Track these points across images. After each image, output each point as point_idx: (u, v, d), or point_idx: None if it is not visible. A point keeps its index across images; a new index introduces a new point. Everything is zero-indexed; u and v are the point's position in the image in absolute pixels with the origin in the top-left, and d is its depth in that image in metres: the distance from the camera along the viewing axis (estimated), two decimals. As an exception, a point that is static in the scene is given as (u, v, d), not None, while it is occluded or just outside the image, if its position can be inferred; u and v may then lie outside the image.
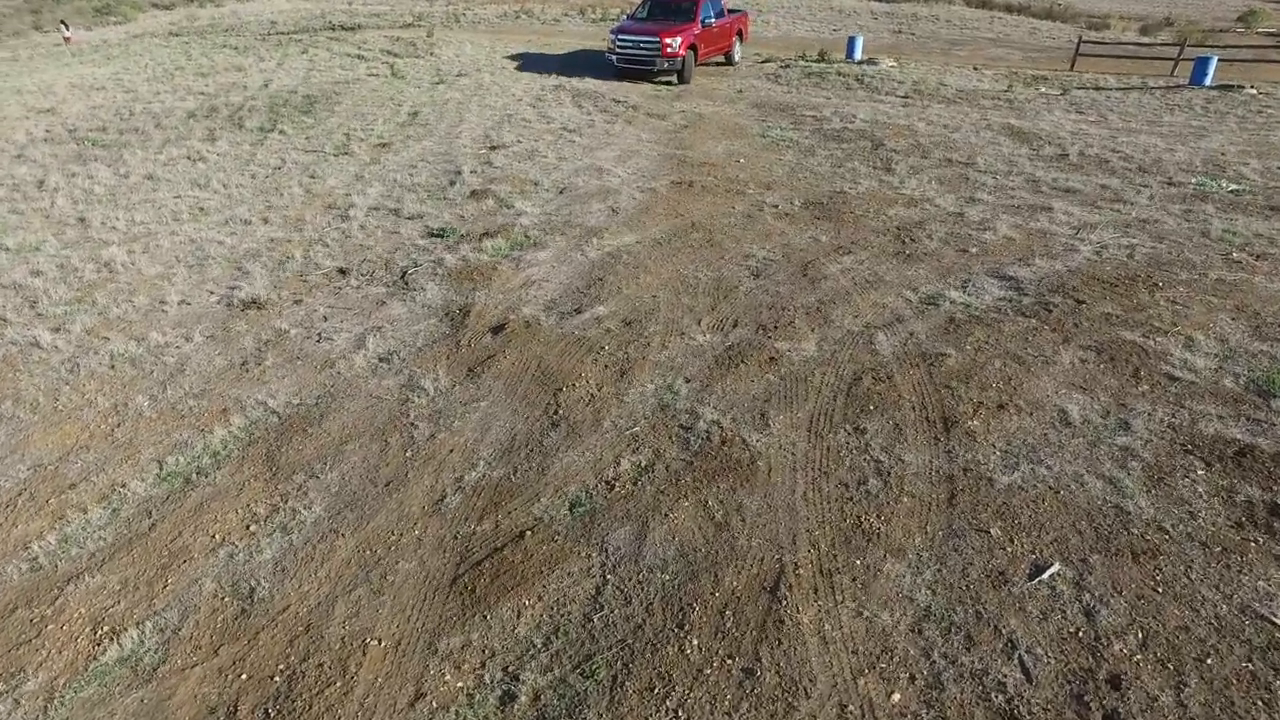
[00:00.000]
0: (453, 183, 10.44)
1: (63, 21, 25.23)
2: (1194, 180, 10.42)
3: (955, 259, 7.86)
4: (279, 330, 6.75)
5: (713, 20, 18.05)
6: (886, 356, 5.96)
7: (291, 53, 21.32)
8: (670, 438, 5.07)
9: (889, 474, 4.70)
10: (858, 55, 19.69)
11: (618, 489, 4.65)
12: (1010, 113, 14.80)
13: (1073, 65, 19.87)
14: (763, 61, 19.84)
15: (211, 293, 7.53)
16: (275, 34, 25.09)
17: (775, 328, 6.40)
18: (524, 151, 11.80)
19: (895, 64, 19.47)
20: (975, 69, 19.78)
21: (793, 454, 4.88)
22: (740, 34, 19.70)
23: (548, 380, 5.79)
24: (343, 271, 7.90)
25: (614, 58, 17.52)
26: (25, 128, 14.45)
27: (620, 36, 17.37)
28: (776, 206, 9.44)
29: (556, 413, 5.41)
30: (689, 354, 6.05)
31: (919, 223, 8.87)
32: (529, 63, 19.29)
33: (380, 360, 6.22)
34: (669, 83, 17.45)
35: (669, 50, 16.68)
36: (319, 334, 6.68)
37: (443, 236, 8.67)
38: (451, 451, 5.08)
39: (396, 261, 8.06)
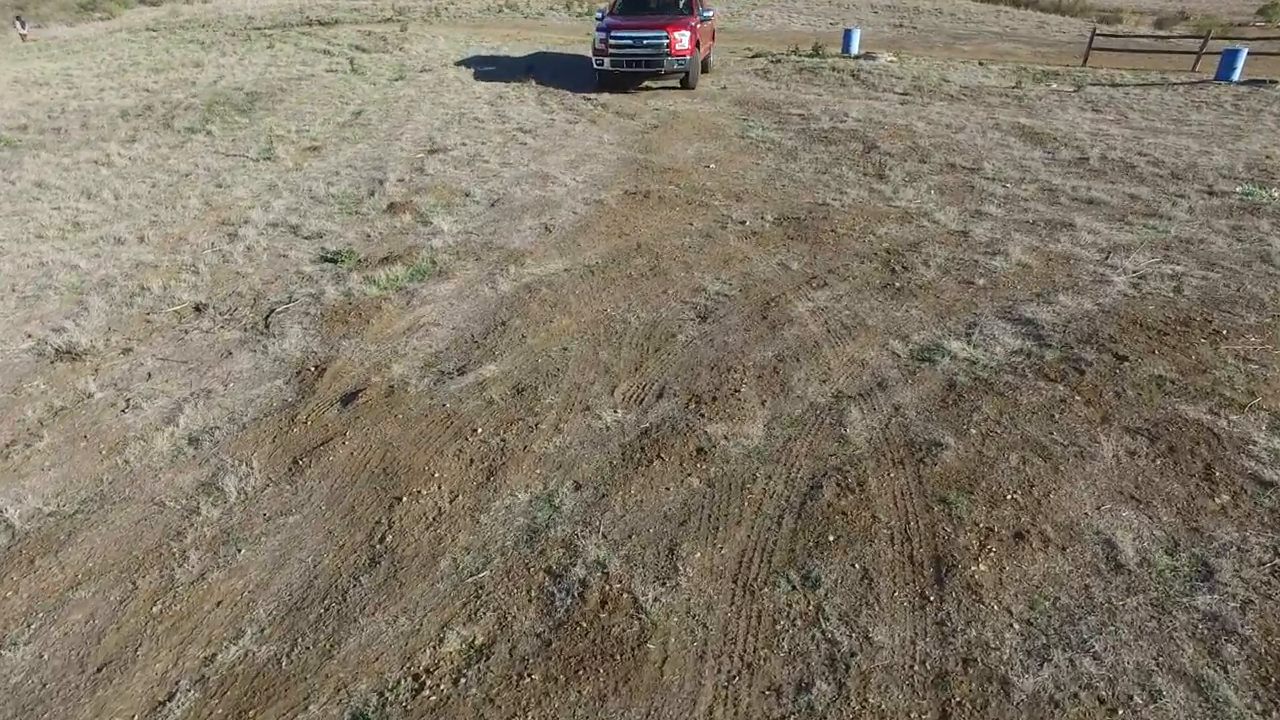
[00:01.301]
0: (372, 193, 8.72)
1: (18, 18, 23.61)
2: (1239, 189, 8.58)
3: (958, 294, 6.07)
4: (81, 393, 5.06)
5: (709, 15, 15.44)
6: (860, 447, 4.19)
7: (256, 48, 19.65)
8: (529, 593, 3.33)
9: (848, 668, 2.95)
10: (854, 49, 17.83)
11: (429, 691, 2.91)
12: (1020, 111, 12.95)
13: (1085, 60, 17.95)
14: (752, 56, 18.02)
15: (28, 336, 5.86)
16: (249, 29, 23.41)
17: (713, 400, 4.63)
18: (465, 156, 10.06)
19: (895, 59, 17.60)
20: (981, 64, 17.89)
21: (704, 627, 3.13)
22: (712, 35, 17.83)
23: (388, 482, 4.06)
24: (199, 309, 6.21)
25: (606, 61, 13.81)
26: (-60, 127, 12.83)
27: (614, 35, 13.65)
28: (744, 223, 7.66)
29: (383, 540, 3.67)
30: (588, 442, 4.30)
31: (914, 244, 7.08)
32: (500, 58, 17.54)
33: (189, 442, 4.51)
34: (672, 86, 14.72)
35: (678, 48, 13.47)
36: (129, 400, 4.98)
37: (336, 262, 6.96)
38: (218, 605, 3.37)
39: (269, 296, 6.35)
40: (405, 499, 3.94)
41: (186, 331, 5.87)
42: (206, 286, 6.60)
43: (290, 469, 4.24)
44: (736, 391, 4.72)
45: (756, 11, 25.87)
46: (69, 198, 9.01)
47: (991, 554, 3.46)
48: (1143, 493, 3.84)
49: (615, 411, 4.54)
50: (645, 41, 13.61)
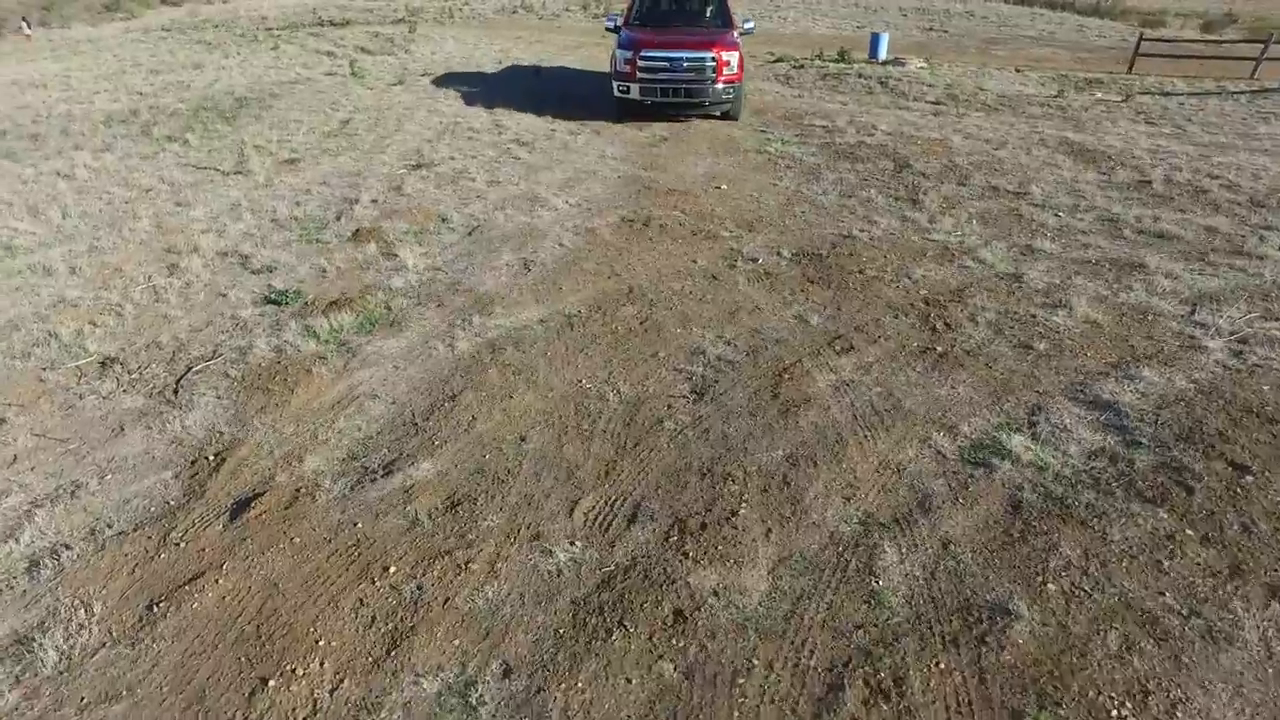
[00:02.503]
0: (340, 216, 7.62)
1: (24, 19, 22.88)
2: (1334, 222, 7.24)
3: (1014, 362, 4.85)
4: (-76, 485, 3.98)
5: (751, 26, 11.92)
6: (897, 613, 3.00)
7: (261, 49, 18.70)
8: None
9: None
10: (882, 55, 16.49)
11: None
12: (1066, 124, 11.60)
13: (1131, 67, 16.49)
14: (773, 61, 16.74)
15: (-104, 398, 4.80)
16: (258, 30, 22.50)
17: (702, 527, 3.46)
18: (450, 172, 8.94)
19: (925, 64, 16.25)
20: (1018, 70, 16.50)
21: None
22: None
23: (259, 651, 2.93)
24: (106, 364, 5.14)
25: (633, 89, 10.68)
26: (-80, 132, 11.97)
27: (645, 54, 10.45)
28: (756, 260, 6.47)
29: (225, 760, 2.54)
30: (531, 595, 3.14)
31: (957, 291, 5.86)
32: (506, 61, 16.40)
33: (26, 568, 3.44)
34: (714, 116, 11.53)
35: (727, 73, 10.48)
36: (-25, 497, 3.89)
37: (280, 304, 5.87)
38: None
39: (191, 349, 5.27)
40: (274, 682, 2.81)
41: (81, 396, 4.80)
42: (125, 334, 5.54)
43: (140, 620, 3.13)
44: (733, 514, 3.54)
45: (779, 14, 24.52)
46: (12, 216, 8.00)
47: (1100, 828, 2.25)
48: (1309, 708, 2.61)
49: (573, 544, 3.38)
50: (686, 64, 10.47)
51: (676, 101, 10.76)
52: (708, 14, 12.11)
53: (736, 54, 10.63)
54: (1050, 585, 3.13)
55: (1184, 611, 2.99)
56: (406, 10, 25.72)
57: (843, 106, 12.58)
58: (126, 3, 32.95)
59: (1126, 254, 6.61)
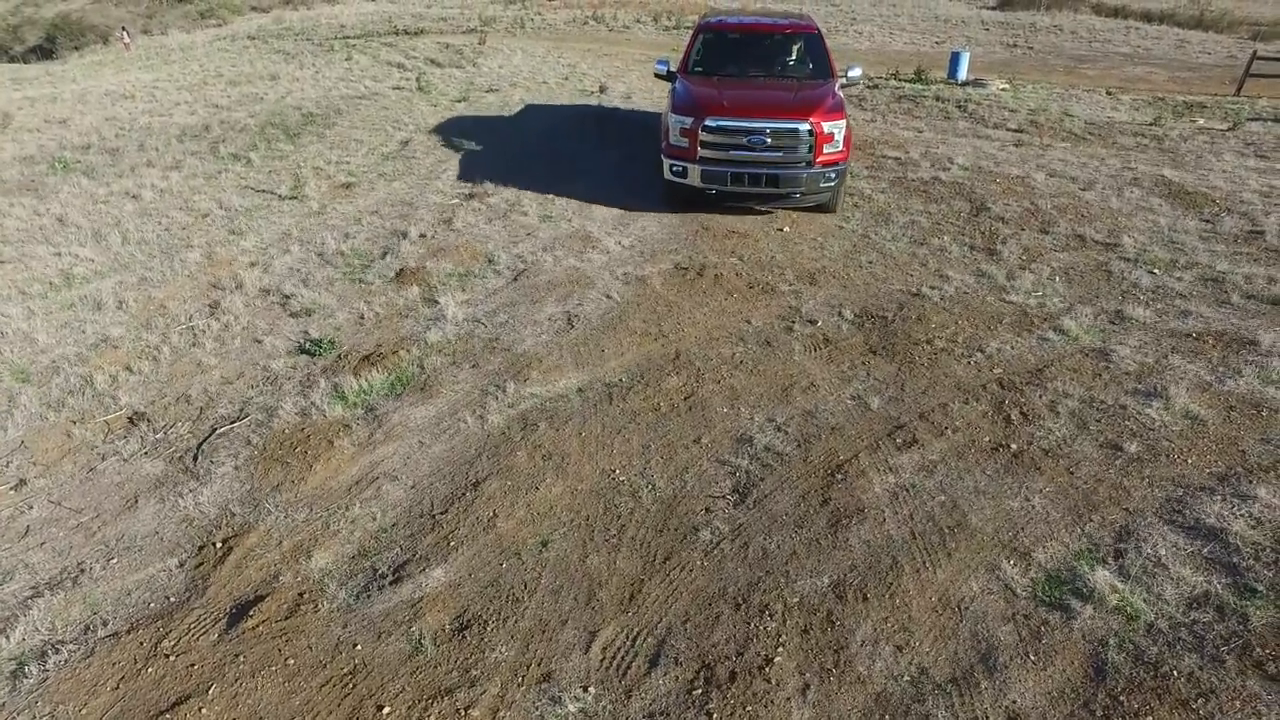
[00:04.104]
0: (386, 253, 7.42)
1: (124, 28, 23.75)
2: None
3: (1099, 468, 4.26)
4: (-69, 558, 3.86)
5: (857, 74, 8.98)
6: (956, 823, 2.52)
7: (335, 60, 18.91)
8: None
9: None
10: (962, 75, 15.65)
11: None
12: (1162, 157, 10.68)
13: (1240, 88, 15.26)
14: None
15: (-73, 449, 4.75)
16: (335, 39, 22.83)
17: (731, 678, 3.03)
18: (503, 204, 8.68)
19: (1007, 85, 15.35)
20: (1108, 93, 15.45)
21: None
22: None
23: (227, 812, 2.63)
24: (134, 420, 4.99)
25: (693, 172, 7.63)
26: (19, 143, 12.39)
27: (710, 121, 7.41)
28: (814, 322, 5.99)
29: None
30: (530, 764, 2.76)
31: (1036, 372, 5.27)
32: (573, 77, 16.14)
33: (11, 673, 3.25)
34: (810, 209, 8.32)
35: (828, 150, 7.42)
36: (-23, 578, 3.75)
37: (314, 354, 5.66)
38: None
39: (219, 406, 5.10)
40: None
41: (104, 457, 4.65)
42: (158, 383, 5.40)
43: (115, 751, 2.87)
44: (768, 661, 3.10)
45: (855, 28, 23.68)
46: (77, 240, 8.07)
47: None
48: None
49: (586, 690, 2.99)
50: (770, 136, 7.36)
51: (754, 192, 7.70)
52: (796, 56, 8.97)
53: (842, 122, 7.51)
54: (1144, 795, 2.60)
55: None
56: (480, 20, 25.80)
57: (918, 134, 11.89)
58: (219, 10, 34.04)
59: (1234, 325, 5.89)
